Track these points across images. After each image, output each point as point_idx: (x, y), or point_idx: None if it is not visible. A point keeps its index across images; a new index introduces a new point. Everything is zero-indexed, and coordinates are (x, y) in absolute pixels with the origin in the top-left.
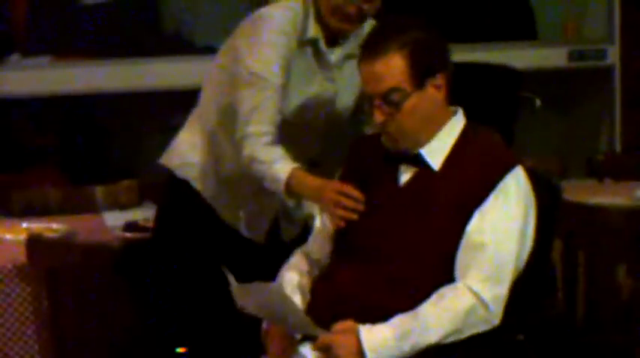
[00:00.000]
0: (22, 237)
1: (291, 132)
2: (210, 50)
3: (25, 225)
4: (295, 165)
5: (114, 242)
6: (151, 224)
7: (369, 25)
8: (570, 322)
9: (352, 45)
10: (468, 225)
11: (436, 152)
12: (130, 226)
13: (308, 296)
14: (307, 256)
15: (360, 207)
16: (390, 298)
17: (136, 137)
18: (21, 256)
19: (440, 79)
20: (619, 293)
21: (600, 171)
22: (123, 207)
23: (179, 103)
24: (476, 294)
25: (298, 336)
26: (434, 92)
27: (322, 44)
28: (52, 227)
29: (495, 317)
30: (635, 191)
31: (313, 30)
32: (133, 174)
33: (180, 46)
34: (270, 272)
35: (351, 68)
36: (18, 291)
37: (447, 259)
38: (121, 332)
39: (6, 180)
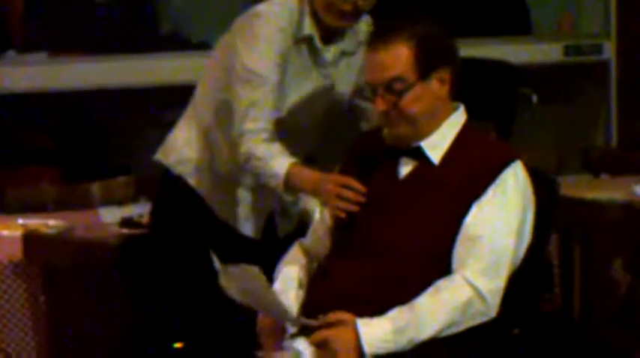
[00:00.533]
0: (19, 233)
1: (288, 129)
2: (206, 46)
3: (21, 221)
4: (293, 160)
5: (110, 238)
6: (146, 220)
7: (364, 22)
8: (567, 316)
9: (347, 42)
10: (465, 217)
11: (436, 146)
12: (126, 222)
13: (304, 291)
14: (306, 250)
15: (361, 198)
16: (390, 292)
17: (132, 133)
18: (17, 252)
19: (444, 73)
20: (615, 288)
21: (596, 166)
22: (119, 203)
23: (176, 99)
24: (473, 287)
25: (292, 330)
26: (437, 86)
27: (318, 41)
28: (48, 223)
29: (492, 310)
30: (632, 186)
31: (309, 27)
32: (129, 170)
33: (177, 42)
34: (265, 267)
35: (347, 64)
36: (14, 288)
37: (446, 252)
38: (117, 327)
39: (2, 176)
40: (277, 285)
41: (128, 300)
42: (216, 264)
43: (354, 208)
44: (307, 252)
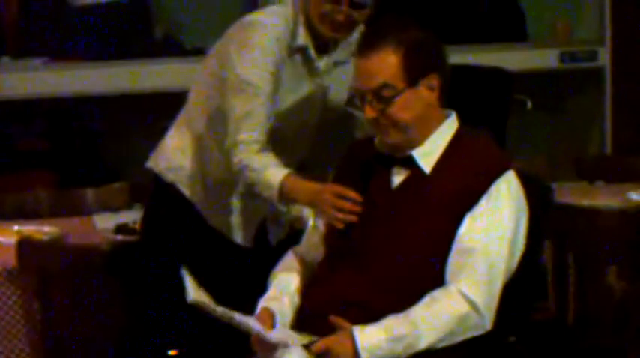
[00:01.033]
0: (13, 239)
1: (281, 137)
2: (201, 52)
3: (16, 227)
4: (287, 170)
5: (105, 244)
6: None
7: (359, 32)
8: (561, 324)
9: (341, 52)
10: (459, 228)
11: (428, 154)
12: (121, 229)
13: (298, 299)
14: (300, 257)
15: (358, 208)
16: (383, 301)
17: (127, 139)
18: (12, 259)
19: (433, 80)
20: (610, 296)
21: (591, 172)
22: (114, 209)
23: (170, 106)
24: (469, 300)
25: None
26: (426, 92)
27: (312, 52)
28: (43, 230)
29: (488, 322)
30: (626, 193)
31: (303, 37)
32: (124, 176)
33: (171, 48)
34: (257, 275)
35: (340, 73)
36: (9, 294)
37: (439, 262)
38: (111, 334)
39: None
40: (272, 292)
41: (123, 307)
42: (187, 283)
43: (351, 218)
44: (301, 259)
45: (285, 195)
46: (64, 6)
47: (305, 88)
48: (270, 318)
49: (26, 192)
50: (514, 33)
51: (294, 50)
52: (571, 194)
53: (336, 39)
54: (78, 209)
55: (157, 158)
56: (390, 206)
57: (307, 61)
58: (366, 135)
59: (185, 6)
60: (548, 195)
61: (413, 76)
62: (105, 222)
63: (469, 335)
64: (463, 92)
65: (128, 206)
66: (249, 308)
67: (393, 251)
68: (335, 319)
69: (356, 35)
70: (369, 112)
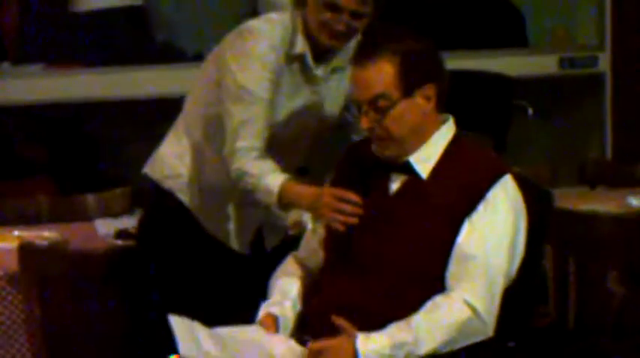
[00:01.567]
0: (14, 245)
1: (278, 144)
2: (201, 58)
3: (16, 233)
4: (286, 176)
5: (105, 250)
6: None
7: (356, 39)
8: (561, 329)
9: (339, 59)
10: (458, 235)
11: (424, 160)
12: (122, 234)
13: (299, 304)
14: (300, 262)
15: (359, 210)
16: (383, 307)
17: (127, 145)
18: (13, 264)
19: (429, 90)
20: (610, 300)
21: (591, 178)
22: (114, 214)
23: (170, 112)
24: (471, 306)
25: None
26: (422, 102)
27: (310, 59)
28: (43, 235)
29: (490, 329)
30: (627, 198)
31: (301, 45)
32: (125, 182)
33: (171, 54)
34: (254, 281)
35: (337, 80)
36: (10, 299)
37: (437, 267)
38: (112, 339)
39: None
40: (275, 298)
41: (123, 312)
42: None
43: (352, 221)
44: (301, 264)
45: (284, 200)
46: (64, 12)
47: (303, 95)
48: (273, 323)
49: (27, 198)
50: (514, 38)
51: (293, 58)
52: (571, 199)
53: (334, 47)
54: (78, 214)
55: (154, 164)
56: (387, 212)
57: (305, 69)
58: (363, 137)
59: (185, 12)
60: (548, 201)
61: (409, 86)
62: (105, 228)
63: (471, 341)
64: (465, 98)
65: (129, 211)
66: (245, 315)
67: (391, 257)
68: (339, 321)
69: (353, 42)
70: (365, 123)
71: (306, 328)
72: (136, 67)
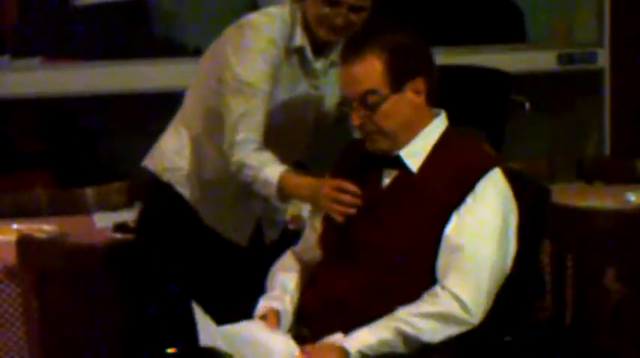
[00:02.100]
0: (12, 238)
1: (278, 137)
2: (200, 52)
3: (15, 226)
4: (285, 167)
5: (104, 243)
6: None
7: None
8: (558, 324)
9: (337, 52)
10: (446, 227)
11: (415, 154)
12: (120, 227)
13: (297, 299)
14: (299, 257)
15: (358, 201)
16: (377, 300)
17: (126, 139)
18: (11, 257)
19: (419, 84)
20: (607, 297)
21: (590, 174)
22: (113, 208)
23: (169, 106)
24: (455, 297)
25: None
26: (413, 96)
27: (309, 53)
28: (42, 228)
29: (474, 318)
30: (625, 194)
31: (300, 38)
32: (123, 175)
33: (170, 48)
34: (252, 274)
35: (336, 74)
36: (8, 292)
37: (429, 261)
38: (110, 332)
39: None
40: (275, 292)
41: (121, 305)
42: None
43: (351, 211)
44: (300, 259)
45: (284, 192)
46: (63, 6)
47: (302, 89)
48: (276, 318)
49: (25, 191)
50: (513, 33)
51: (292, 51)
52: (570, 195)
53: (333, 41)
54: (77, 208)
55: (153, 158)
56: (379, 206)
57: (304, 62)
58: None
59: (185, 6)
60: (546, 196)
61: (398, 80)
62: (104, 221)
63: (456, 331)
64: (462, 93)
65: (127, 205)
66: (244, 308)
67: (382, 250)
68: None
69: None
70: (356, 119)
71: (304, 321)
72: (135, 61)
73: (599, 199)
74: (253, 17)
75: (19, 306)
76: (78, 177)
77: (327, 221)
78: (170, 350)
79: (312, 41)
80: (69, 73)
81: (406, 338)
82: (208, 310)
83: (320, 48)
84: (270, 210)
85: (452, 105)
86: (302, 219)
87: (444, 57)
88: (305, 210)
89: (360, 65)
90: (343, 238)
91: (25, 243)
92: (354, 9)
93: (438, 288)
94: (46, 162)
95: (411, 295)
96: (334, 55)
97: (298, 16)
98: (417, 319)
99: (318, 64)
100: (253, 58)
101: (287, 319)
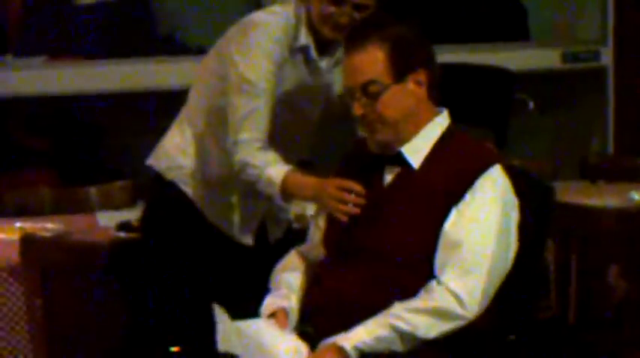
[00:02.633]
0: (16, 236)
1: (282, 136)
2: (203, 51)
3: (18, 225)
4: (289, 167)
5: (107, 242)
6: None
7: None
8: (562, 322)
9: (342, 51)
10: (445, 222)
11: (416, 151)
12: (124, 226)
13: (302, 297)
14: (303, 255)
15: (362, 200)
16: (380, 297)
17: (130, 137)
18: (14, 256)
19: (421, 75)
20: (611, 295)
21: (593, 172)
22: (117, 207)
23: (172, 104)
24: (452, 292)
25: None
26: (414, 87)
27: (313, 52)
28: (45, 227)
29: (470, 313)
30: (628, 192)
31: (304, 37)
32: (127, 174)
33: (174, 46)
34: (256, 273)
35: (340, 73)
36: (12, 291)
37: (430, 257)
38: (114, 331)
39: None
40: (282, 291)
41: (125, 304)
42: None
43: (355, 211)
44: (304, 258)
45: (287, 191)
46: (66, 4)
47: (306, 87)
48: (285, 318)
49: (29, 190)
50: (516, 31)
51: (296, 50)
52: (573, 193)
53: (337, 39)
54: (81, 206)
55: (157, 156)
56: (381, 203)
57: (308, 61)
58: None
59: (188, 5)
60: (550, 195)
61: (399, 71)
62: (107, 220)
63: (451, 326)
64: (466, 92)
65: (131, 204)
66: (248, 306)
67: (384, 247)
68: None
69: None
70: (358, 109)
71: (308, 319)
72: (139, 59)
73: (603, 198)
74: (257, 16)
75: (22, 305)
76: (81, 176)
77: (330, 220)
78: (174, 349)
79: (316, 40)
80: (72, 72)
81: (401, 334)
82: (209, 309)
83: (324, 47)
84: (275, 209)
85: (456, 103)
86: (306, 218)
87: (447, 55)
88: (309, 209)
89: (363, 55)
90: (346, 236)
91: (28, 242)
92: (358, 7)
93: (433, 283)
94: (50, 160)
95: (415, 292)
96: (339, 54)
97: (302, 14)
98: (411, 314)
99: (323, 63)
100: (257, 57)
101: (294, 317)
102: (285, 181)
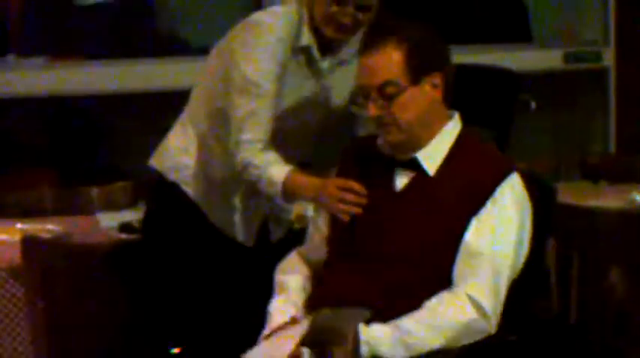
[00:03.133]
0: (17, 238)
1: (284, 136)
2: (205, 51)
3: (19, 226)
4: (290, 167)
5: (109, 243)
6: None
7: (363, 32)
8: (563, 323)
9: (345, 51)
10: (465, 232)
11: (432, 157)
12: (125, 227)
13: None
14: (305, 257)
15: (363, 200)
16: (387, 303)
17: (131, 138)
18: (16, 257)
19: (437, 78)
20: (612, 295)
21: (595, 173)
22: (118, 208)
23: (174, 104)
24: (477, 304)
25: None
26: (430, 90)
27: (315, 52)
28: (46, 228)
29: (493, 328)
30: (630, 193)
31: (307, 38)
32: (128, 175)
33: (175, 47)
34: (257, 273)
35: (342, 73)
36: (13, 292)
37: (444, 265)
38: (115, 332)
39: (0, 181)
40: (292, 296)
41: (126, 305)
42: None
43: (356, 211)
44: (306, 260)
45: (289, 191)
46: (68, 4)
47: (308, 88)
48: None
49: (30, 191)
50: (518, 31)
51: (298, 50)
52: (575, 194)
53: (340, 40)
54: (82, 207)
55: (159, 157)
56: (394, 208)
57: (311, 61)
58: (366, 134)
59: (189, 5)
60: (551, 195)
61: (416, 73)
62: (109, 221)
63: (474, 339)
64: (469, 92)
65: (132, 204)
66: (250, 307)
67: (396, 253)
68: None
69: (359, 34)
70: (373, 110)
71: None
72: (140, 59)
73: (604, 198)
74: (259, 16)
75: (23, 305)
76: (83, 177)
77: (335, 221)
78: (175, 351)
79: (318, 40)
80: (74, 72)
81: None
82: (214, 310)
83: (326, 47)
84: (276, 209)
85: (459, 104)
86: (307, 219)
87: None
88: (310, 209)
89: (380, 56)
90: (353, 240)
91: (29, 243)
92: (361, 8)
93: (459, 293)
94: (51, 161)
95: (421, 298)
96: (341, 55)
97: (305, 15)
98: (438, 327)
99: (325, 64)
100: (260, 57)
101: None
102: (286, 181)
